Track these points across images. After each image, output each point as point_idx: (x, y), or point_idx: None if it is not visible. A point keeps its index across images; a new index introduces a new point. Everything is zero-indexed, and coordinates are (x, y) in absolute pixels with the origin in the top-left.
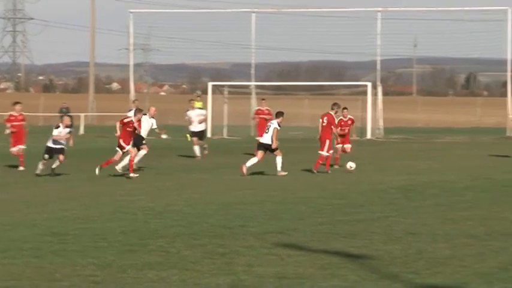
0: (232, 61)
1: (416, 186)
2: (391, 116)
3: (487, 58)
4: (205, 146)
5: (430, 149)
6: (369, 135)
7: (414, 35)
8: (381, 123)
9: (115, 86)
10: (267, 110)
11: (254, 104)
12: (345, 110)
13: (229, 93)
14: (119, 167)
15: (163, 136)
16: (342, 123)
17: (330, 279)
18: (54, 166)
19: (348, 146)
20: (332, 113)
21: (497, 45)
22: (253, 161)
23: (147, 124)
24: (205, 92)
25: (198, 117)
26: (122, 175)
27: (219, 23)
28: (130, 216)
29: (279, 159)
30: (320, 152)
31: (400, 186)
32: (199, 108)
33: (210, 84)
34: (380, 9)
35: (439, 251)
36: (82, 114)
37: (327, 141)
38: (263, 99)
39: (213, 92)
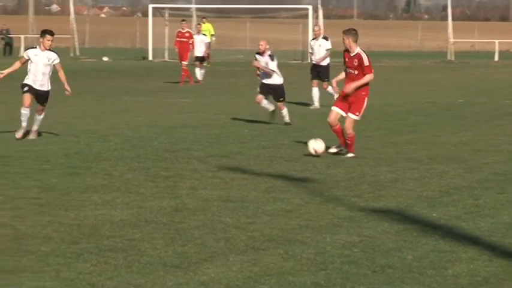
0: None
1: None
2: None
3: None
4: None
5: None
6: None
7: None
8: None
9: (54, 7)
10: (188, 32)
11: (195, 27)
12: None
13: (170, 15)
14: None
15: (105, 59)
16: None
17: (273, 202)
18: None
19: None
20: None
21: None
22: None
23: None
24: (146, 14)
25: (202, 42)
26: None
27: None
28: (73, 139)
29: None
30: None
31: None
32: (204, 34)
33: (150, 7)
34: None
35: (382, 174)
36: (22, 36)
37: None
38: (183, 20)
39: (154, 15)
